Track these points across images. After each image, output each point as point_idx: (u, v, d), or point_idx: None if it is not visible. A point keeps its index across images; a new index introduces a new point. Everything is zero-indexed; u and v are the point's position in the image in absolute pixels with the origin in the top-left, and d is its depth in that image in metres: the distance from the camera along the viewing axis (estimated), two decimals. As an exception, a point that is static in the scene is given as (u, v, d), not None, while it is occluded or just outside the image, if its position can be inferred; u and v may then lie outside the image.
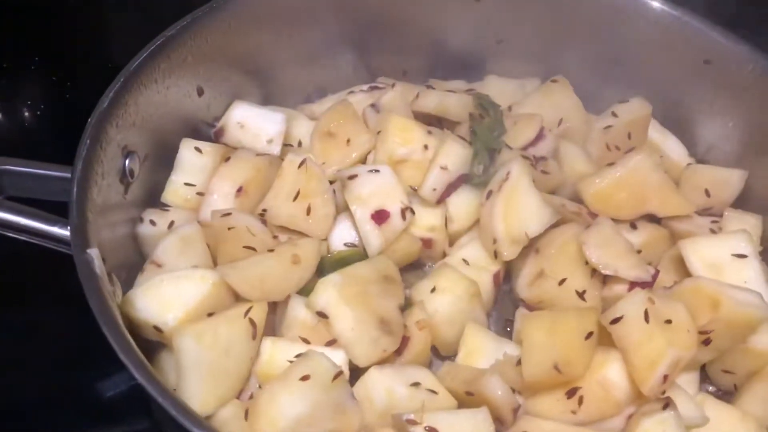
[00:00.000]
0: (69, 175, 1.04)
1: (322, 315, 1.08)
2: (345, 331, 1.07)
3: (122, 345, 0.87)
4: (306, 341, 1.08)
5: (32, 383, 1.23)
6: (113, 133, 1.11)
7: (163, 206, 1.25)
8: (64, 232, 1.01)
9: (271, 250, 1.14)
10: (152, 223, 1.21)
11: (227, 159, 1.26)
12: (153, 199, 1.26)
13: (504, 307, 1.26)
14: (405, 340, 1.10)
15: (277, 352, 1.06)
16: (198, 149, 1.26)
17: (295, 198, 1.22)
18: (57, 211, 1.05)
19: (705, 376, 1.20)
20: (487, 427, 0.96)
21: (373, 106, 1.37)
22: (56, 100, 1.66)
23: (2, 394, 1.22)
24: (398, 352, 1.10)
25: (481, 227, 1.23)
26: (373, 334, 1.07)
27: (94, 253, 0.95)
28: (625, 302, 1.05)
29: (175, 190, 1.26)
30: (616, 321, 1.05)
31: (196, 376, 0.99)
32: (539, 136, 1.32)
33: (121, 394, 1.24)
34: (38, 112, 1.63)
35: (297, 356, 1.01)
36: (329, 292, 1.08)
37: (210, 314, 1.06)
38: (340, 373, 0.97)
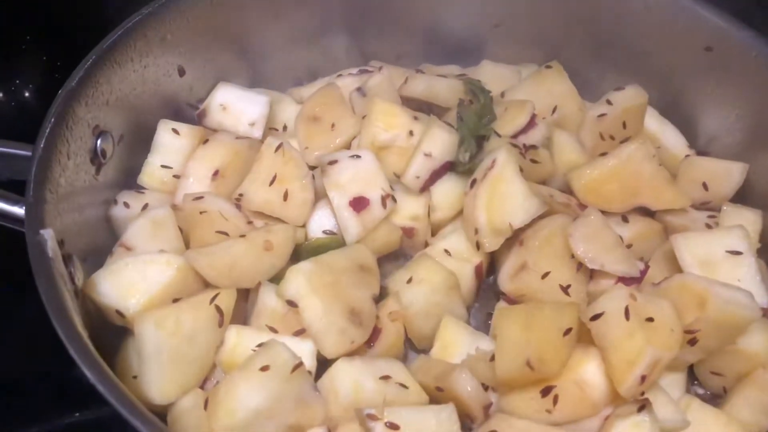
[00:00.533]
0: (30, 153, 1.01)
1: (291, 304, 1.05)
2: (313, 320, 1.03)
3: (67, 330, 0.85)
4: (274, 330, 1.05)
5: (3, 368, 1.22)
6: (82, 112, 1.08)
7: (139, 188, 1.22)
8: (21, 212, 0.99)
9: (243, 236, 1.11)
10: (126, 205, 1.18)
11: (205, 141, 1.23)
12: (130, 180, 1.23)
13: (487, 300, 1.21)
14: (377, 332, 1.06)
15: (242, 341, 1.02)
16: (176, 131, 1.23)
17: (272, 183, 1.18)
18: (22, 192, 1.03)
19: (694, 377, 1.14)
20: (451, 425, 0.92)
21: (359, 89, 1.32)
22: (52, 80, 1.63)
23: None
24: (369, 343, 1.06)
25: (464, 217, 1.18)
26: (342, 325, 1.03)
27: (47, 234, 0.92)
28: (605, 298, 1.01)
29: (152, 172, 1.23)
30: (596, 317, 1.00)
31: (156, 363, 0.97)
32: (530, 124, 1.26)
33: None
34: (35, 92, 1.61)
35: (259, 345, 0.97)
36: (299, 280, 1.04)
37: (175, 300, 1.03)
38: (300, 365, 0.93)
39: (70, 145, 1.05)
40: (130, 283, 1.01)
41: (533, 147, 1.25)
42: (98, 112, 1.12)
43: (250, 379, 0.92)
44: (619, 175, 1.20)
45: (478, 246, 1.15)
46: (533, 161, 1.23)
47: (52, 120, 1.02)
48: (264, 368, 0.92)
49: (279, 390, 0.92)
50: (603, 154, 1.22)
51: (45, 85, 1.64)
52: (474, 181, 1.16)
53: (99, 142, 1.13)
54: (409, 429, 0.90)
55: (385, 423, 0.90)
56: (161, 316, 0.98)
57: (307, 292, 1.04)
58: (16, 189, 1.04)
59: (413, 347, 1.14)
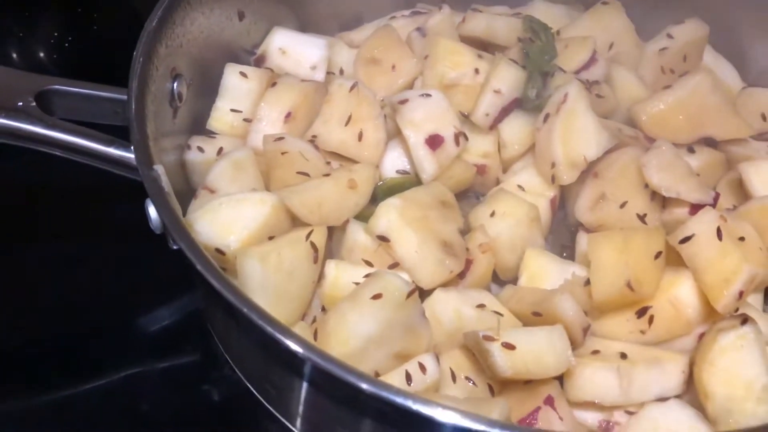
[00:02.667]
0: (121, 96, 1.00)
1: (383, 239, 1.05)
2: (408, 253, 1.04)
3: (199, 257, 0.85)
4: (369, 264, 1.06)
5: (75, 319, 1.21)
6: (163, 53, 1.07)
7: (209, 133, 1.22)
8: (124, 153, 0.98)
9: (327, 175, 1.11)
10: (200, 149, 1.18)
11: (273, 84, 1.23)
12: (197, 126, 1.22)
13: (559, 233, 1.24)
14: (468, 263, 1.08)
15: (341, 275, 1.03)
16: (243, 74, 1.22)
17: (347, 123, 1.18)
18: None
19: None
20: (562, 344, 0.94)
21: (418, 30, 1.32)
22: (81, 33, 1.61)
23: (45, 330, 1.20)
24: (461, 275, 1.08)
25: (538, 152, 1.20)
26: (438, 256, 1.04)
27: (159, 169, 0.92)
28: (695, 221, 1.03)
29: (221, 116, 1.22)
30: (686, 240, 1.03)
31: (262, 299, 0.96)
32: (592, 60, 1.28)
33: (164, 329, 1.22)
34: (64, 45, 1.58)
35: (366, 276, 0.98)
36: (391, 214, 1.05)
37: (270, 238, 1.04)
38: (414, 291, 0.94)
39: (155, 86, 1.04)
40: (227, 222, 1.01)
41: (596, 82, 1.27)
42: (174, 54, 1.11)
43: (362, 308, 0.93)
44: (686, 106, 1.22)
45: (553, 179, 1.17)
46: (598, 96, 1.25)
47: (141, 60, 1.01)
48: (376, 296, 0.93)
49: (391, 317, 0.93)
50: (666, 87, 1.24)
51: (71, 38, 1.61)
52: (547, 116, 1.18)
53: (176, 84, 1.12)
54: (524, 349, 0.92)
55: (502, 343, 0.91)
56: (265, 251, 0.98)
57: (400, 225, 1.05)
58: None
59: (495, 279, 1.16)
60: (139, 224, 1.26)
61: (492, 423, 0.76)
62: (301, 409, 0.99)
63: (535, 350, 0.93)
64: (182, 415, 1.07)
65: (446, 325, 1.00)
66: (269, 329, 0.79)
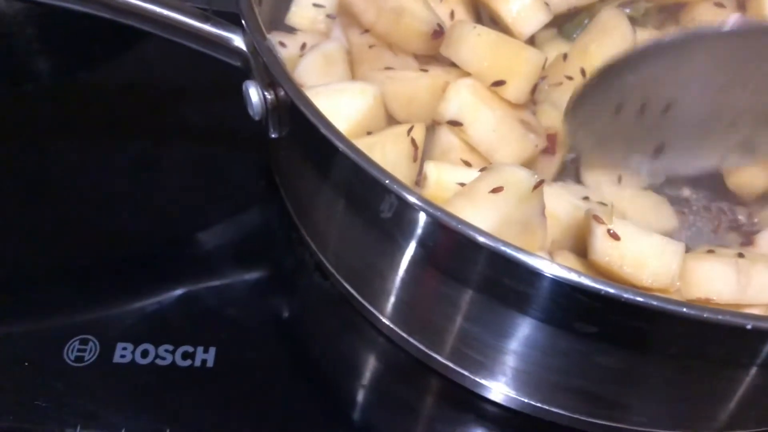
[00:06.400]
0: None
1: (455, 123, 0.99)
2: (486, 133, 0.98)
3: (326, 124, 0.79)
4: (468, 164, 1.01)
5: (153, 226, 1.13)
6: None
7: (288, 29, 1.15)
8: (221, 32, 0.92)
9: (425, 71, 1.05)
10: (282, 44, 1.10)
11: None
12: (275, 22, 1.15)
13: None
14: (551, 137, 1.03)
15: (442, 175, 0.97)
16: (327, -34, 1.15)
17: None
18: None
19: None
20: (674, 259, 0.89)
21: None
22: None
23: (102, 241, 1.12)
24: (547, 150, 1.03)
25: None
26: (520, 130, 0.99)
27: (272, 39, 0.85)
28: None
29: (302, 11, 1.15)
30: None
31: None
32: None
33: (221, 247, 1.15)
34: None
35: (482, 170, 0.93)
36: (462, 94, 0.98)
37: (368, 133, 0.98)
38: (541, 183, 0.88)
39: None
40: (328, 111, 0.92)
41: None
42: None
43: (479, 203, 0.88)
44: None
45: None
46: None
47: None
48: (496, 190, 0.88)
49: (511, 213, 0.88)
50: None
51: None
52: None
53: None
54: (629, 245, 0.87)
55: (608, 230, 0.87)
56: (372, 143, 0.92)
57: (474, 105, 0.98)
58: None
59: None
60: (214, 127, 1.24)
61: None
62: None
63: (640, 251, 0.88)
64: (270, 321, 1.01)
65: (562, 219, 0.95)
66: (402, 191, 0.75)
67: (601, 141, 1.01)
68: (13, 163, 1.17)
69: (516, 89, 1.00)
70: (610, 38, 1.09)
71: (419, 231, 0.80)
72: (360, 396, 0.97)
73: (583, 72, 1.08)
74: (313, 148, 0.86)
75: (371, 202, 0.83)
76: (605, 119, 0.97)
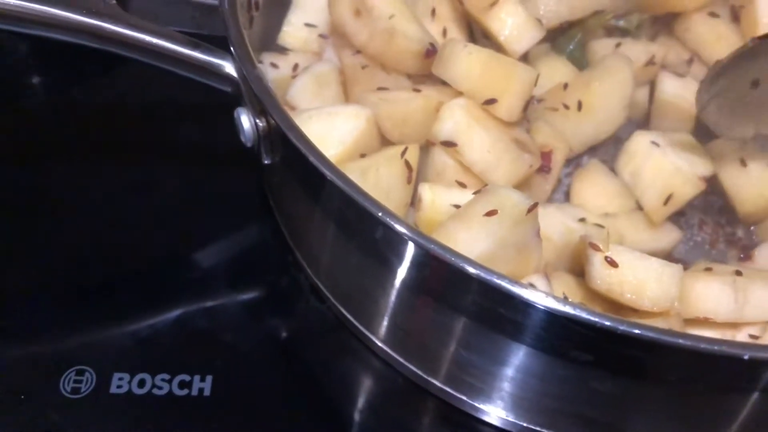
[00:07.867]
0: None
1: (449, 144, 0.98)
2: (481, 154, 0.97)
3: (316, 154, 0.79)
4: (462, 185, 1.00)
5: (148, 246, 1.12)
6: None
7: (281, 49, 1.14)
8: (210, 58, 0.92)
9: (419, 90, 1.04)
10: (274, 65, 1.10)
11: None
12: (265, 42, 1.14)
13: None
14: (546, 155, 1.03)
15: (437, 197, 0.96)
16: (319, -15, 1.15)
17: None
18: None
19: None
20: (673, 283, 0.88)
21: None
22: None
23: (95, 263, 1.11)
24: (541, 170, 1.03)
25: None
26: (515, 151, 0.98)
27: (264, 66, 0.85)
28: None
29: (294, 31, 1.14)
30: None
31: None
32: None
33: (216, 270, 1.13)
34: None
35: (476, 193, 0.92)
36: (457, 114, 0.98)
37: (362, 155, 0.97)
38: (535, 206, 0.88)
39: (237, -9, 0.96)
40: (320, 135, 0.94)
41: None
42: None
43: (473, 226, 0.87)
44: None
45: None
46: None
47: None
48: (490, 213, 0.87)
49: (506, 236, 0.87)
50: None
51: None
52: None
53: (254, -10, 1.05)
54: (627, 271, 0.87)
55: (605, 257, 0.86)
56: (365, 166, 0.92)
57: (468, 125, 0.97)
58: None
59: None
60: (207, 146, 1.23)
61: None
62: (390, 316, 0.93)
63: (639, 277, 0.87)
64: (266, 346, 1.01)
65: (556, 242, 0.95)
66: (393, 223, 0.75)
67: (734, 112, 1.02)
68: (3, 182, 1.16)
69: (508, 107, 0.99)
70: (612, 80, 1.10)
71: (411, 260, 0.80)
72: (358, 420, 0.96)
73: (579, 105, 1.08)
74: (305, 176, 0.85)
75: (363, 230, 0.83)
76: (741, 92, 0.99)
